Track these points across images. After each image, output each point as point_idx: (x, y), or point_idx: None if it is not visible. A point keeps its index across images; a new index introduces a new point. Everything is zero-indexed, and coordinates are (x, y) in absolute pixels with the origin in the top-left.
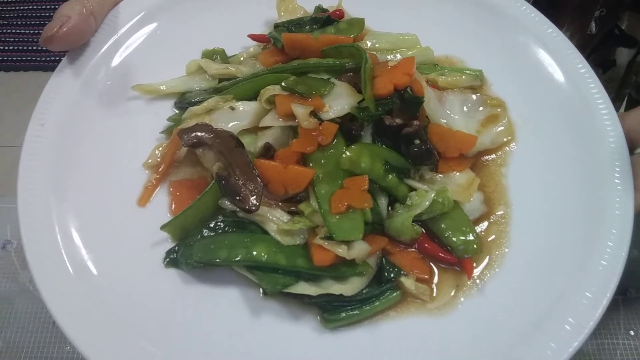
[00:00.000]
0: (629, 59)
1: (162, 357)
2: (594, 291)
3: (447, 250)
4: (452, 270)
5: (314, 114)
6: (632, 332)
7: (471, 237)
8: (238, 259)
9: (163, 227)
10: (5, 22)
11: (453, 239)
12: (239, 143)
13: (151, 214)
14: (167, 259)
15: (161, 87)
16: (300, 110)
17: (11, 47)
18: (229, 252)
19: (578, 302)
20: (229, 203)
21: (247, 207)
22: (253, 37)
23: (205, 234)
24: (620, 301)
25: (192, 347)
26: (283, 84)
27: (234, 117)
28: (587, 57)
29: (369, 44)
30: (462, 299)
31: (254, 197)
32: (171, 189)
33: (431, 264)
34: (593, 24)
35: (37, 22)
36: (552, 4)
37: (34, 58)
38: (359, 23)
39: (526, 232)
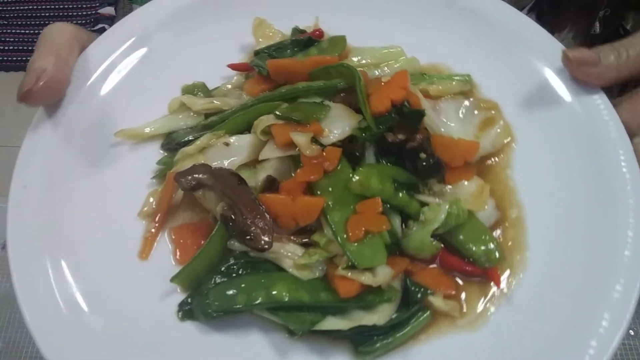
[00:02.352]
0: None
1: None
2: (623, 283)
3: (470, 262)
4: (477, 283)
5: (314, 140)
6: (632, 332)
7: (492, 246)
8: (259, 302)
9: (173, 279)
10: (5, 22)
11: (474, 249)
12: (241, 180)
13: (155, 266)
14: (181, 312)
15: (145, 130)
16: (302, 139)
17: (11, 47)
18: (247, 296)
19: (610, 296)
20: (238, 244)
21: (259, 246)
22: (233, 66)
23: (219, 280)
24: None
25: None
26: (277, 112)
27: (230, 153)
28: None
29: (354, 60)
30: (492, 310)
31: (266, 234)
32: (173, 237)
33: (455, 279)
34: (597, 24)
35: (37, 22)
36: (556, 4)
37: None
38: (340, 41)
39: (543, 232)
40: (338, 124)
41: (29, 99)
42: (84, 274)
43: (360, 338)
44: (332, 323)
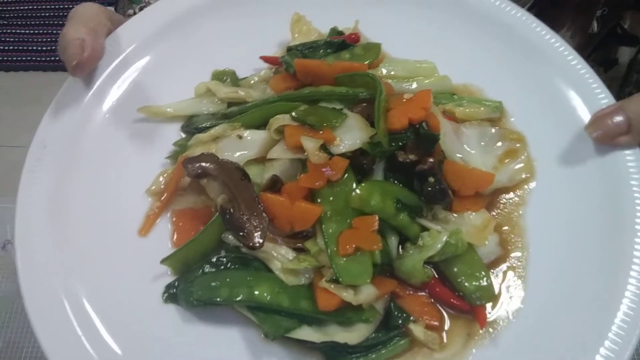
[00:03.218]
0: (630, 58)
1: None
2: (613, 346)
3: (459, 296)
4: (464, 317)
5: (323, 147)
6: None
7: (485, 283)
8: (239, 298)
9: (163, 261)
10: (5, 22)
11: (466, 284)
12: (245, 176)
13: (152, 244)
14: (167, 294)
15: (167, 110)
16: (310, 144)
17: (11, 47)
18: (230, 291)
19: (600, 352)
20: (232, 238)
21: (250, 244)
22: (265, 59)
23: (207, 270)
24: None
25: None
26: (293, 114)
27: (242, 146)
28: (589, 57)
29: (384, 71)
30: (473, 350)
31: (259, 234)
32: (174, 219)
33: (442, 309)
34: (595, 23)
35: (37, 22)
36: (554, 3)
37: (34, 58)
38: (375, 48)
39: (545, 279)
40: (350, 135)
41: (80, 70)
42: (84, 240)
43: (333, 353)
44: (306, 333)
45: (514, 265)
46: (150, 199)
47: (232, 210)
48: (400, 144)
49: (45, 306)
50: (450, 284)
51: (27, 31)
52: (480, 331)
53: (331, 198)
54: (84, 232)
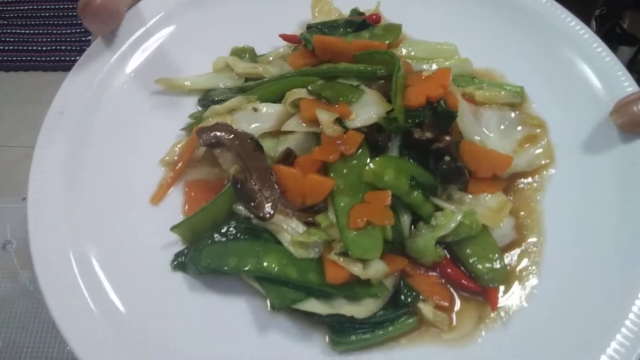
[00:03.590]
0: (630, 57)
1: None
2: (624, 341)
3: (471, 278)
4: (476, 300)
5: (339, 121)
6: None
7: (498, 266)
8: (247, 268)
9: (173, 229)
10: (5, 22)
11: (478, 266)
12: (258, 146)
13: (164, 214)
14: (175, 262)
15: (185, 83)
16: (325, 117)
17: (11, 47)
18: (238, 260)
19: (611, 346)
20: (243, 208)
21: (261, 214)
22: (284, 37)
23: (216, 239)
24: None
25: (192, 358)
26: (309, 87)
27: (257, 118)
28: None
29: (404, 51)
30: (483, 333)
31: (269, 205)
32: (186, 189)
33: (453, 290)
34: (594, 23)
35: (37, 22)
36: None
37: (34, 58)
38: (395, 29)
39: (560, 265)
40: (366, 110)
41: (88, 11)
42: (96, 206)
43: (339, 327)
44: (312, 305)
45: (529, 250)
46: (164, 168)
47: (244, 180)
48: (417, 121)
49: (53, 263)
50: (462, 265)
51: (27, 31)
52: (492, 314)
53: (344, 172)
54: (97, 196)
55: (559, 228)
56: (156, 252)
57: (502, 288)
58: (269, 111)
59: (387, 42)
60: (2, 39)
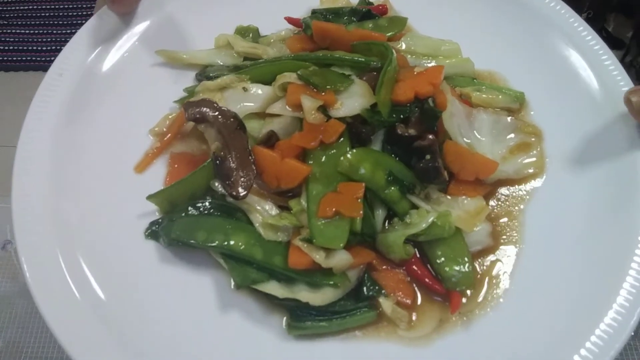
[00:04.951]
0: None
1: (115, 336)
2: (593, 351)
3: (437, 279)
4: (440, 303)
5: (323, 109)
6: (632, 332)
7: (465, 270)
8: (214, 244)
9: (150, 197)
10: (5, 22)
11: (446, 268)
12: (240, 126)
13: (147, 183)
14: (149, 230)
15: (184, 56)
16: (308, 103)
17: (11, 47)
18: (207, 235)
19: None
20: (219, 185)
21: (234, 193)
22: (289, 20)
23: (190, 212)
24: None
25: (153, 329)
26: (299, 72)
27: (245, 98)
28: None
29: (404, 45)
30: (441, 334)
31: (243, 184)
32: (170, 161)
33: (417, 290)
34: (602, 41)
35: (37, 22)
36: None
37: (34, 58)
38: (400, 22)
39: (532, 278)
40: (352, 101)
41: (117, 4)
42: (82, 169)
43: (298, 313)
44: (272, 287)
45: (502, 259)
46: (152, 138)
47: (223, 158)
48: (402, 116)
49: (31, 223)
50: (430, 265)
51: (27, 31)
52: (453, 319)
53: (322, 160)
54: (83, 162)
55: (536, 241)
56: (133, 219)
57: (467, 292)
58: (258, 92)
59: (389, 34)
60: (2, 39)
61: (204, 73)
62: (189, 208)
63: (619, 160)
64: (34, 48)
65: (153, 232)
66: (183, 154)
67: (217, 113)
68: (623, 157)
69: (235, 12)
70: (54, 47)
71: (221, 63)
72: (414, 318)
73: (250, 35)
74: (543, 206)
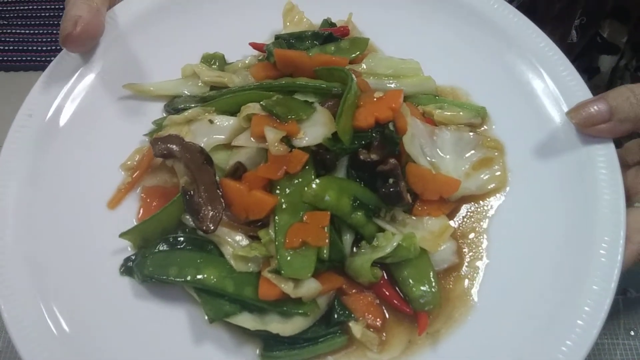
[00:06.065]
0: (611, 66)
1: None
2: None
3: (405, 300)
4: (407, 324)
5: (287, 139)
6: (632, 332)
7: (432, 290)
8: (187, 279)
9: (123, 235)
10: (5, 22)
11: (413, 289)
12: (207, 160)
13: (120, 218)
14: (124, 267)
15: (150, 88)
16: (271, 135)
17: (11, 47)
18: (179, 270)
19: None
20: (190, 219)
21: (204, 227)
22: (254, 45)
23: (162, 248)
24: (620, 301)
25: None
26: (262, 103)
27: (212, 130)
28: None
29: (365, 66)
30: (409, 356)
31: (212, 219)
32: (142, 195)
33: (386, 312)
34: (574, 32)
35: (37, 22)
36: (531, 12)
37: (34, 58)
38: (361, 43)
39: (498, 292)
40: (315, 130)
41: (69, 42)
42: (53, 205)
43: (271, 342)
44: (243, 319)
45: (468, 275)
46: (124, 173)
47: (192, 192)
48: (363, 142)
49: (6, 260)
50: (398, 287)
51: (27, 31)
52: (421, 339)
53: (288, 190)
54: (56, 198)
55: (501, 255)
56: (108, 256)
57: (435, 312)
58: (224, 124)
59: (352, 56)
60: (2, 39)
61: (172, 105)
62: (161, 243)
63: (578, 171)
64: (34, 48)
65: (127, 269)
66: (155, 187)
67: (183, 148)
68: (583, 168)
69: (201, 40)
70: (54, 47)
71: (188, 93)
72: (383, 340)
73: (217, 62)
74: (507, 220)
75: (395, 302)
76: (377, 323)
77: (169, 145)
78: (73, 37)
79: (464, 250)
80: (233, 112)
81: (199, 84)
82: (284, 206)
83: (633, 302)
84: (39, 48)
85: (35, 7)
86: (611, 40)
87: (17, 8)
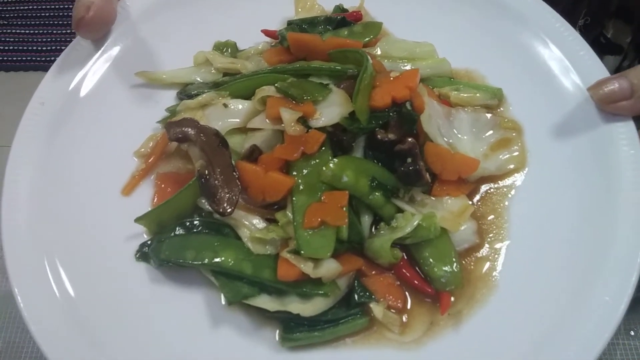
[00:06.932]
0: (615, 66)
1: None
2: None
3: (426, 281)
4: (429, 305)
5: (303, 120)
6: (632, 332)
7: (453, 270)
8: (204, 262)
9: (138, 220)
10: (5, 22)
11: (435, 269)
12: (223, 142)
13: (134, 205)
14: (139, 252)
15: (163, 77)
16: (287, 116)
17: (11, 47)
18: (196, 253)
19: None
20: (206, 203)
21: (220, 210)
22: (266, 32)
23: (178, 232)
24: None
25: (146, 349)
26: (277, 85)
27: (226, 114)
28: None
29: (380, 50)
30: (431, 336)
31: (229, 201)
32: (157, 181)
33: (407, 293)
34: (578, 33)
35: (37, 22)
36: None
37: (34, 58)
38: (375, 27)
39: (520, 273)
40: (331, 110)
41: (82, 27)
42: (69, 193)
43: (290, 324)
44: (263, 301)
45: (489, 256)
46: (137, 160)
47: (207, 176)
48: (381, 122)
49: (21, 246)
50: (419, 267)
51: (27, 31)
52: (444, 320)
53: (305, 171)
54: (70, 185)
55: (522, 236)
56: (123, 242)
57: (457, 292)
58: (239, 107)
59: (365, 40)
60: (2, 39)
61: (185, 91)
62: (177, 227)
63: (599, 150)
64: (34, 48)
65: (143, 254)
66: (169, 173)
67: (198, 131)
68: (604, 146)
69: (212, 28)
70: (54, 47)
71: (201, 80)
72: (404, 321)
73: (229, 50)
74: (527, 201)
75: (416, 282)
76: (398, 304)
77: (183, 128)
78: (85, 22)
79: (484, 230)
80: (247, 97)
81: (212, 71)
82: (301, 187)
83: (633, 302)
84: (39, 48)
85: (35, 7)
86: (615, 40)
87: (17, 8)
